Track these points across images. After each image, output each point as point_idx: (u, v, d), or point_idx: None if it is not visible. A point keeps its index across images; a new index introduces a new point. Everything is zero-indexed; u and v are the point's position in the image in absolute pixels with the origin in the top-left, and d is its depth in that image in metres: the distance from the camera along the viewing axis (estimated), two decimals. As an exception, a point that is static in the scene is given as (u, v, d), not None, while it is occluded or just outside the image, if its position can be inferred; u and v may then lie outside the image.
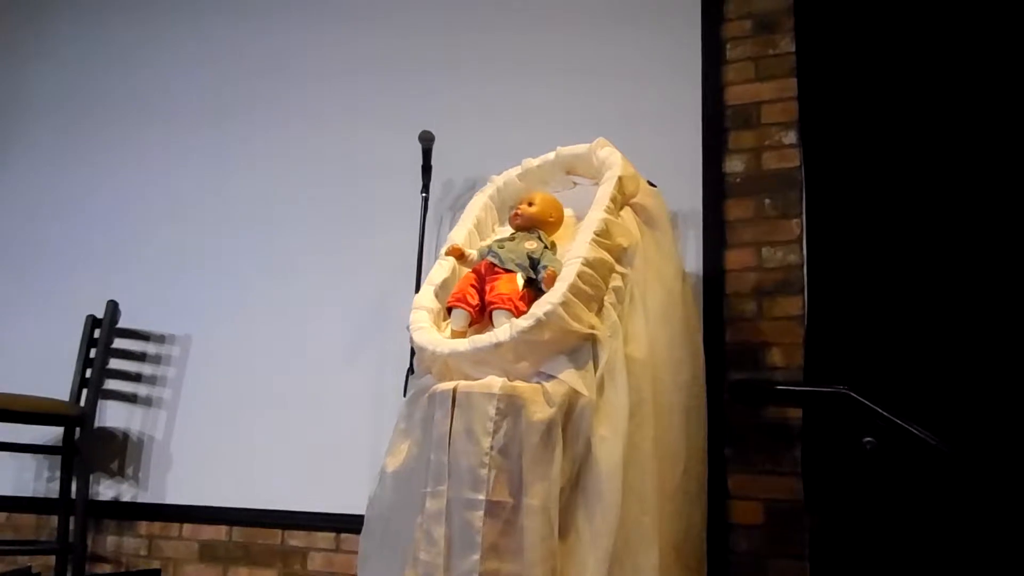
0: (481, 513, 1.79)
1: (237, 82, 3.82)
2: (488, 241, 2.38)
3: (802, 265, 2.66)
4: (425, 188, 3.06)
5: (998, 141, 2.41)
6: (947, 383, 2.26)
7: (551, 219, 2.34)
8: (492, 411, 1.84)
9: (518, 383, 1.90)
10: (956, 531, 2.12)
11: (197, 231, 3.67)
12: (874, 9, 2.68)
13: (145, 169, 3.87)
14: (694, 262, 2.80)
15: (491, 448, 1.82)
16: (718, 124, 2.91)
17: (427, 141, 3.08)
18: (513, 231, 2.34)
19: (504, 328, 1.94)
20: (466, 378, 1.95)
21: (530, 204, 2.33)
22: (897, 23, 2.63)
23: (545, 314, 1.91)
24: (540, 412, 1.85)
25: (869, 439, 1.95)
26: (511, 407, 1.85)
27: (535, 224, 2.30)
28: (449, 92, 3.37)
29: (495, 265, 2.16)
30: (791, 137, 2.81)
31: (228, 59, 3.88)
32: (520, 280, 2.11)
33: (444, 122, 3.15)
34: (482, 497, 1.80)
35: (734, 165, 2.87)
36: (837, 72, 2.69)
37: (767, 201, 2.79)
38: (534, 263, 2.14)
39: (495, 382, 1.88)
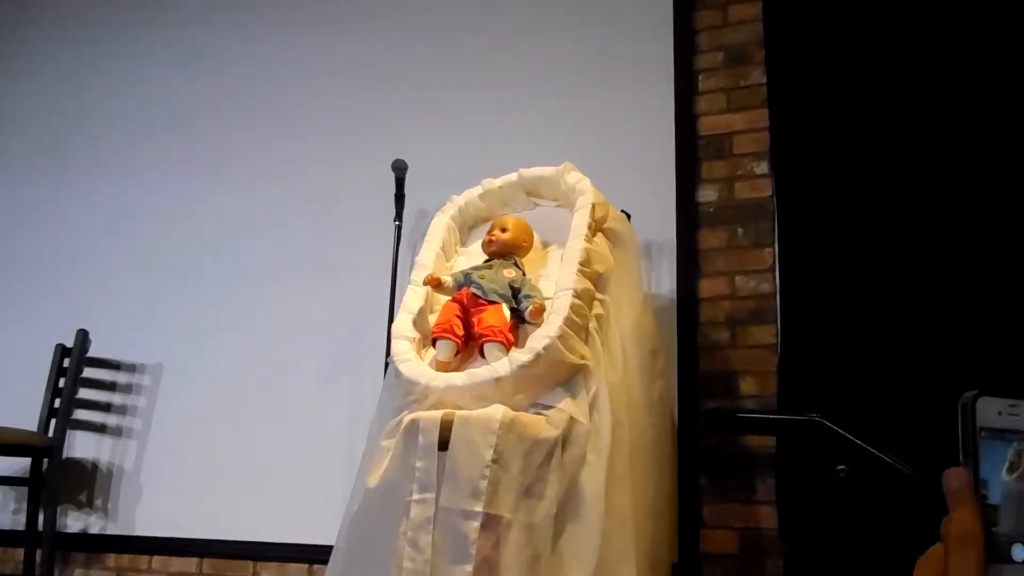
0: (477, 524, 1.77)
1: (209, 109, 3.81)
2: (460, 266, 2.37)
3: (775, 294, 2.68)
4: (398, 216, 3.06)
5: (969, 169, 2.44)
6: (920, 411, 2.27)
7: (524, 244, 2.34)
8: (496, 426, 1.83)
9: (520, 412, 1.90)
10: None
11: (169, 259, 3.64)
12: (843, 41, 2.72)
13: (116, 197, 3.84)
14: (668, 290, 2.82)
15: (492, 461, 1.81)
16: (691, 154, 2.94)
17: (400, 170, 3.07)
18: (488, 257, 2.32)
19: (503, 362, 1.94)
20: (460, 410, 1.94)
21: (503, 230, 2.30)
22: (865, 55, 2.67)
23: (544, 348, 1.92)
24: (544, 432, 1.86)
25: (842, 467, 1.95)
26: (514, 426, 1.85)
27: (510, 250, 2.29)
28: (424, 119, 3.38)
29: (478, 296, 2.16)
30: (763, 167, 2.84)
31: (199, 85, 3.87)
32: (506, 311, 2.11)
33: (419, 149, 3.15)
34: (479, 509, 1.78)
35: (707, 194, 2.89)
36: (807, 103, 2.72)
37: (740, 230, 2.82)
38: (515, 292, 2.14)
39: (497, 410, 1.87)
